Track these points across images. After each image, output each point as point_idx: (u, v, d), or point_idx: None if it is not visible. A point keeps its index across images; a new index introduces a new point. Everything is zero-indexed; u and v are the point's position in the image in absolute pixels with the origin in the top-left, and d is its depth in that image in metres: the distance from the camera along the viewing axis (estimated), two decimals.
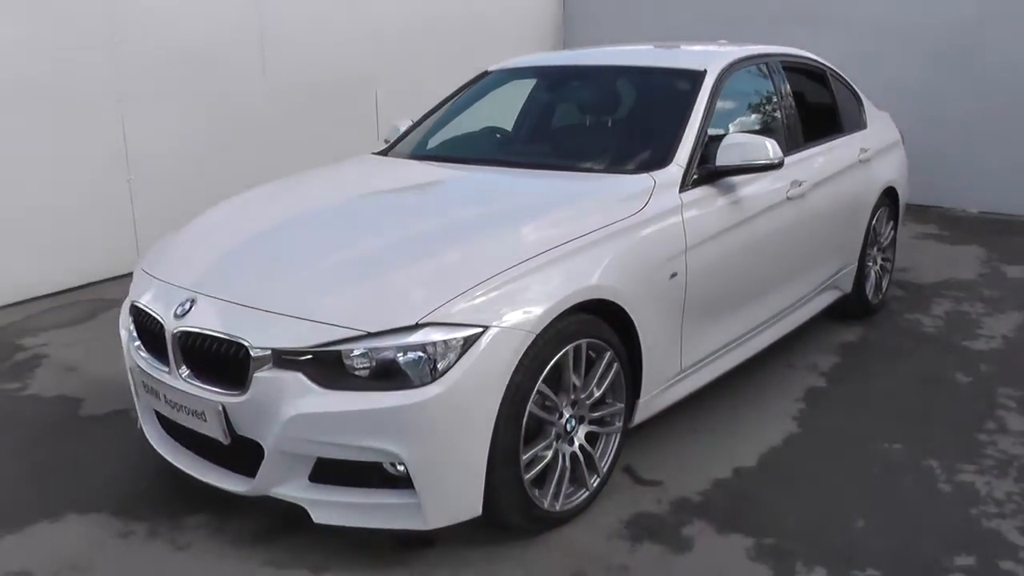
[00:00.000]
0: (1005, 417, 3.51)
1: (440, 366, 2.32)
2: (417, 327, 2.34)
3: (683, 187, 3.18)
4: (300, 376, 2.36)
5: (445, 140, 4.04)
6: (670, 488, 2.98)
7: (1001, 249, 6.09)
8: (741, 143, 3.24)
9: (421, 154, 3.92)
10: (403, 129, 4.27)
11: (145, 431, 2.93)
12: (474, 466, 2.40)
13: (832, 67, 4.63)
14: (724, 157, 3.24)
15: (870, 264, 4.65)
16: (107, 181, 5.59)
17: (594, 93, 3.96)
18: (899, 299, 5.04)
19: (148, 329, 2.79)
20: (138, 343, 2.86)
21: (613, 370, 2.79)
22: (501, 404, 2.40)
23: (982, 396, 3.72)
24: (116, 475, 3.16)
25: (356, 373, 2.35)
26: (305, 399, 2.34)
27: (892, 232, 4.90)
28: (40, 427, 3.57)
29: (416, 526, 2.42)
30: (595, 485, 2.82)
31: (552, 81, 4.26)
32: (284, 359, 2.38)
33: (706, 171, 3.27)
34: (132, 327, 2.89)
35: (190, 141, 6.00)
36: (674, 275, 3.00)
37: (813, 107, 4.31)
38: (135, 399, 3.07)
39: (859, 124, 4.64)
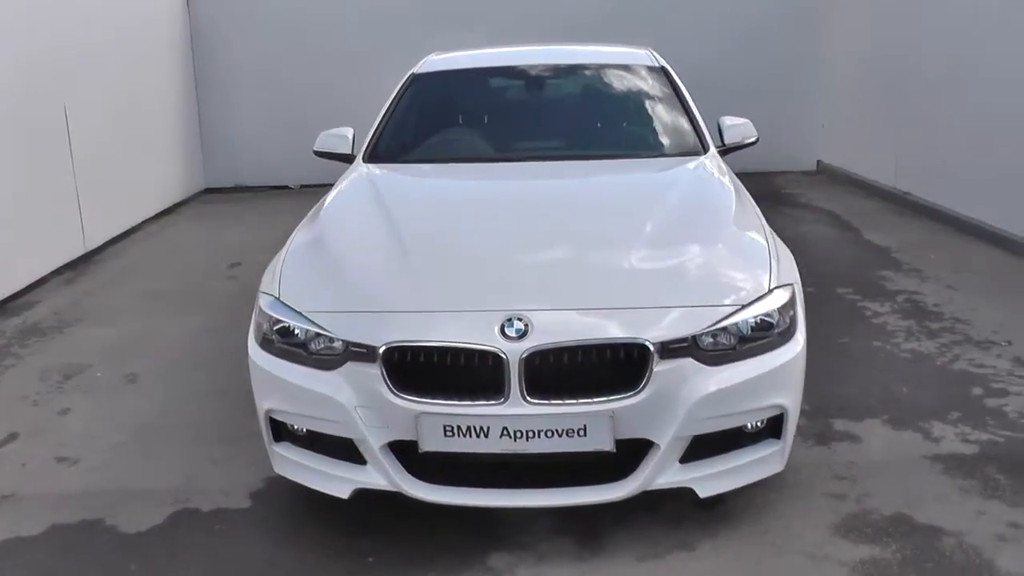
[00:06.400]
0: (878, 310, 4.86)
1: (777, 322, 2.63)
2: (770, 292, 2.63)
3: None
4: (691, 361, 2.46)
5: (450, 141, 4.01)
6: None
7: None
8: (738, 124, 3.95)
9: (458, 156, 3.93)
10: (351, 137, 4.03)
11: (406, 491, 2.54)
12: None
13: None
14: (729, 136, 3.92)
15: None
16: None
17: (578, 88, 4.25)
18: None
19: (431, 367, 2.45)
20: (394, 390, 2.47)
21: None
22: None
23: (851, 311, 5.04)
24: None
25: (724, 346, 2.53)
26: (705, 380, 2.46)
27: None
28: None
29: (775, 471, 2.70)
30: None
31: (516, 79, 4.37)
32: (670, 349, 2.44)
33: (720, 149, 3.90)
34: (384, 373, 2.47)
35: None
36: None
37: None
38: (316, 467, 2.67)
39: None
